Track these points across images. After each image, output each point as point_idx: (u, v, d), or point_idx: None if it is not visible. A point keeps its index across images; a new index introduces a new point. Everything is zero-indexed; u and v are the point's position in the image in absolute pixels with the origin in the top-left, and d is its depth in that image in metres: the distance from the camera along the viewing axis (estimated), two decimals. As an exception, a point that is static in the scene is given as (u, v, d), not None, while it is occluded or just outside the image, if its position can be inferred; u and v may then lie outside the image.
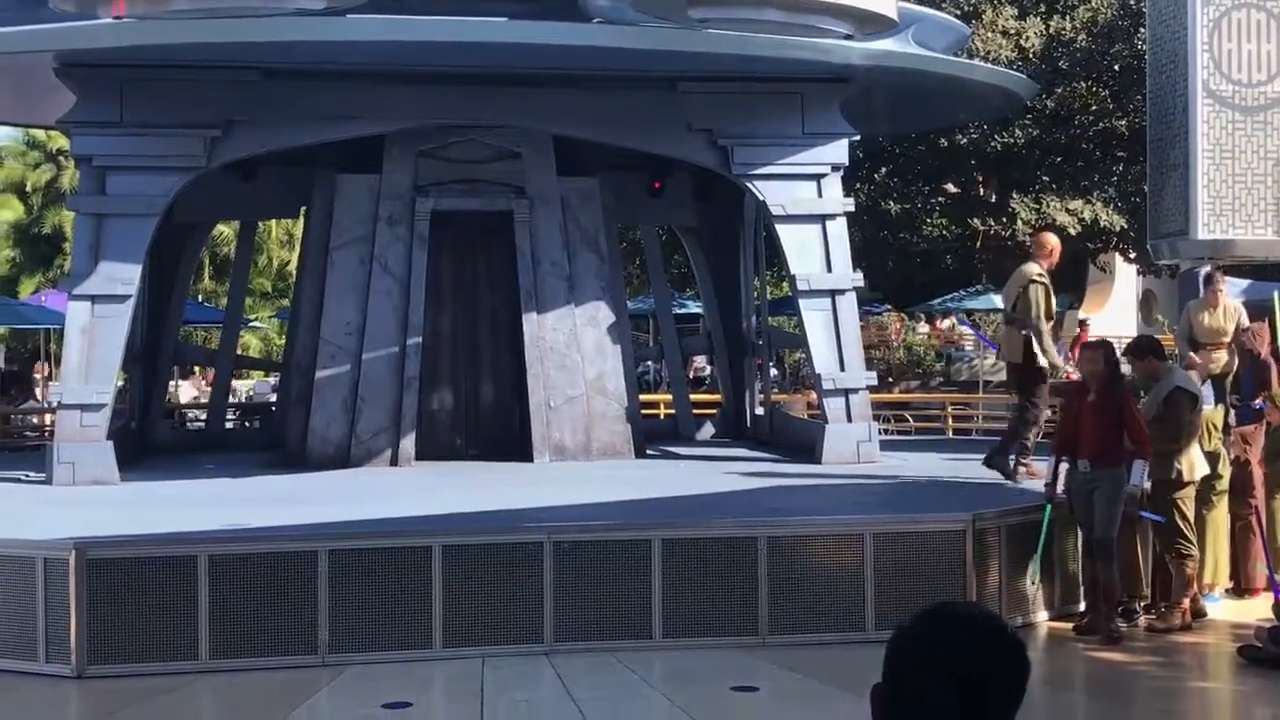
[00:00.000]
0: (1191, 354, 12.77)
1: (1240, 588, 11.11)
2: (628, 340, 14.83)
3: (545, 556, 9.02)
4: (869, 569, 9.38)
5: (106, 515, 10.00)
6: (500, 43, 12.02)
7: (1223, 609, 10.68)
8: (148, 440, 15.10)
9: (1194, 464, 10.11)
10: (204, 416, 19.07)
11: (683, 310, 23.32)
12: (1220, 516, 10.92)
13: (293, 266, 37.26)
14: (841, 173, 13.81)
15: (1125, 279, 35.29)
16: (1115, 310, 35.89)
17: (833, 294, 13.53)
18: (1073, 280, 31.11)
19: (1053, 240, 12.64)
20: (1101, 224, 22.25)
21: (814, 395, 14.79)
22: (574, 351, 13.65)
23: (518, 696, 8.11)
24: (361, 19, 11.62)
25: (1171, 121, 15.45)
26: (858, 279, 13.77)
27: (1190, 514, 10.09)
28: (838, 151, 13.67)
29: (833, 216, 13.62)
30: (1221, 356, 12.82)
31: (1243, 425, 11.77)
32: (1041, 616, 10.15)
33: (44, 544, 8.71)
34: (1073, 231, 22.35)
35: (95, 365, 12.26)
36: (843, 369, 13.47)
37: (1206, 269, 14.16)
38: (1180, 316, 13.08)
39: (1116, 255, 27.68)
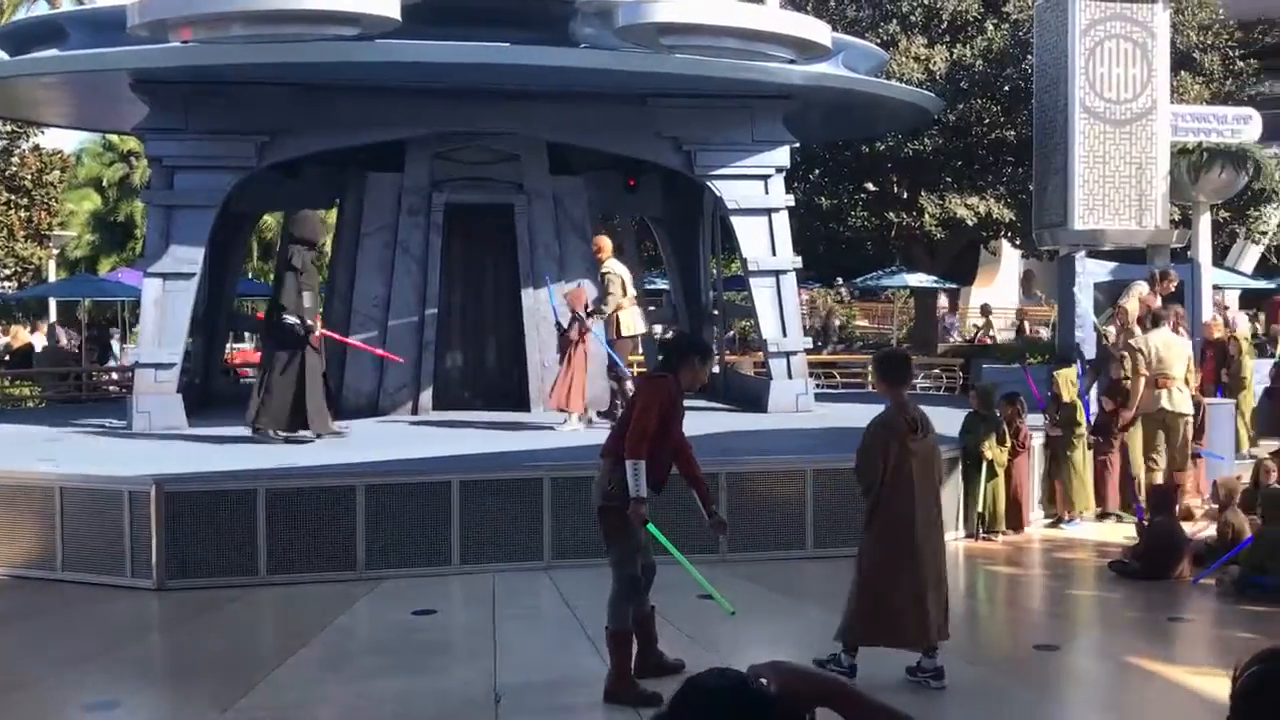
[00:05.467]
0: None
1: (1103, 513, 11.27)
2: (608, 311, 14.75)
3: (545, 490, 9.01)
4: (809, 499, 9.42)
5: (179, 455, 9.93)
6: (503, 64, 11.88)
7: (1086, 531, 10.82)
8: (209, 393, 14.96)
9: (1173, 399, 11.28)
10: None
11: (652, 286, 23.22)
12: (1081, 456, 11.05)
13: (325, 249, 36.94)
14: (784, 174, 13.77)
15: (1010, 261, 35.48)
16: (1001, 286, 36.09)
17: (777, 274, 13.51)
18: (968, 262, 31.24)
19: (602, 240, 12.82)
20: (994, 216, 22.20)
21: (760, 356, 14.75)
22: (553, 317, 13.57)
23: (524, 604, 8.10)
24: (389, 43, 11.50)
25: (1054, 132, 15.50)
26: (797, 261, 13.76)
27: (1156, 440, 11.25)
28: (781, 156, 13.61)
29: (777, 210, 13.58)
30: None
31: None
32: (950, 536, 10.25)
33: (129, 479, 8.65)
34: (970, 222, 22.34)
35: (167, 331, 12.15)
36: (785, 335, 13.47)
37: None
38: (1125, 293, 13.30)
39: (1004, 242, 27.76)
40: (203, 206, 12.34)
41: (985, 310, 27.57)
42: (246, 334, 25.62)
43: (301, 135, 12.69)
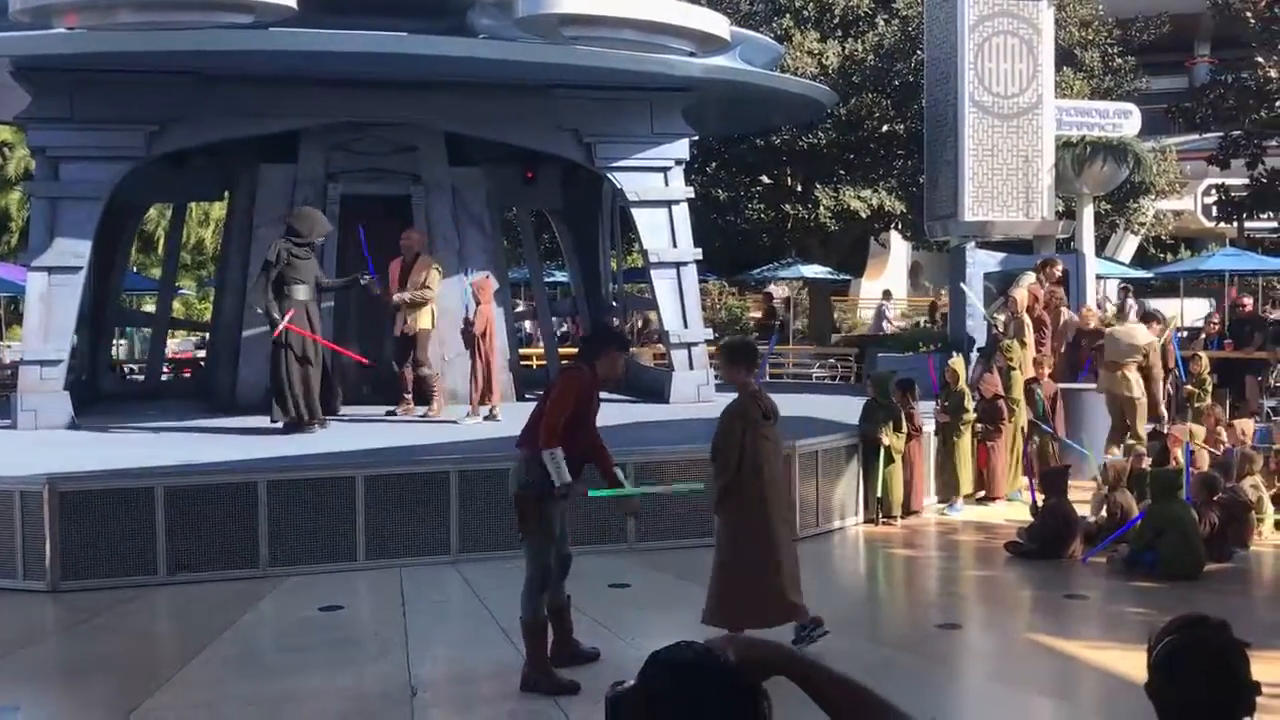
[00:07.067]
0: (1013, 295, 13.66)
1: (987, 497, 11.64)
2: (508, 304, 14.74)
3: (451, 483, 8.99)
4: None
5: (70, 454, 9.65)
6: (399, 54, 11.76)
7: (979, 513, 11.15)
8: (96, 390, 14.56)
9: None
10: (141, 370, 18.42)
11: (551, 279, 23.21)
12: (967, 441, 11.42)
13: (209, 242, 36.09)
14: (683, 166, 13.89)
15: (898, 252, 36.22)
16: (890, 276, 36.83)
17: (678, 265, 13.63)
18: (859, 254, 31.84)
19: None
20: (885, 208, 22.70)
21: (660, 347, 14.85)
22: (464, 313, 13.50)
23: (433, 597, 8.07)
24: (282, 32, 11.32)
25: (944, 126, 15.87)
26: (697, 253, 13.90)
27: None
28: (680, 148, 13.72)
29: (677, 202, 13.70)
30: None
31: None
32: (850, 521, 10.51)
33: (20, 479, 8.40)
34: (863, 215, 22.80)
35: (53, 327, 11.80)
36: (686, 326, 13.60)
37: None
38: (1015, 283, 14.16)
39: (894, 233, 28.35)
40: (89, 198, 12.01)
41: (933, 306, 28.21)
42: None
43: (193, 125, 12.42)
